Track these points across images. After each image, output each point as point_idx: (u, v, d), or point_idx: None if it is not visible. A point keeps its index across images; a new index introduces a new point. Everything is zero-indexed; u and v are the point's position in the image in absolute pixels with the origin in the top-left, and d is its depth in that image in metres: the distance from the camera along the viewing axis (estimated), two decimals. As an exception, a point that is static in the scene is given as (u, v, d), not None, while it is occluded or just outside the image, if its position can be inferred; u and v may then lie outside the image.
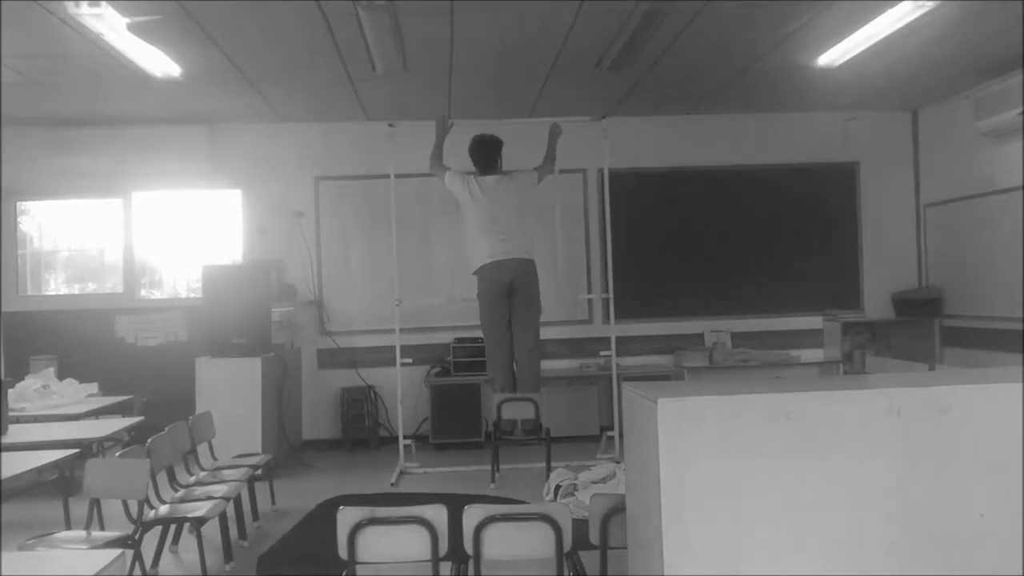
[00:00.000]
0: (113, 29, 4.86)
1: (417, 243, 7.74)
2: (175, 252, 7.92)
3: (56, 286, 8.01)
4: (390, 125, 6.52)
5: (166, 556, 4.38)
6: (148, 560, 4.05)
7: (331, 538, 2.84)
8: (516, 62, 6.07)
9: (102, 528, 3.91)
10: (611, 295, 6.80)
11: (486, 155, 6.05)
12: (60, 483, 4.63)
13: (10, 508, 4.75)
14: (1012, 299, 6.59)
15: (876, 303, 7.97)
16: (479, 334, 7.34)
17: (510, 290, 5.83)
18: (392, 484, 6.06)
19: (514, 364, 5.97)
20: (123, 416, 5.88)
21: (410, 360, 6.76)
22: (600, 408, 7.47)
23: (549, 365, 7.67)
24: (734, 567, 2.12)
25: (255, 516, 5.12)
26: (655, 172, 7.37)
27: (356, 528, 2.79)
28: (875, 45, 5.66)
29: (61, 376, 6.43)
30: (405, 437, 7.61)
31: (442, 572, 2.82)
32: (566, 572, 2.85)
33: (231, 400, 6.09)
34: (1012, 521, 2.17)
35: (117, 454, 4.19)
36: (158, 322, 7.65)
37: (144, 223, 7.83)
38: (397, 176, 7.67)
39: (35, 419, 5.49)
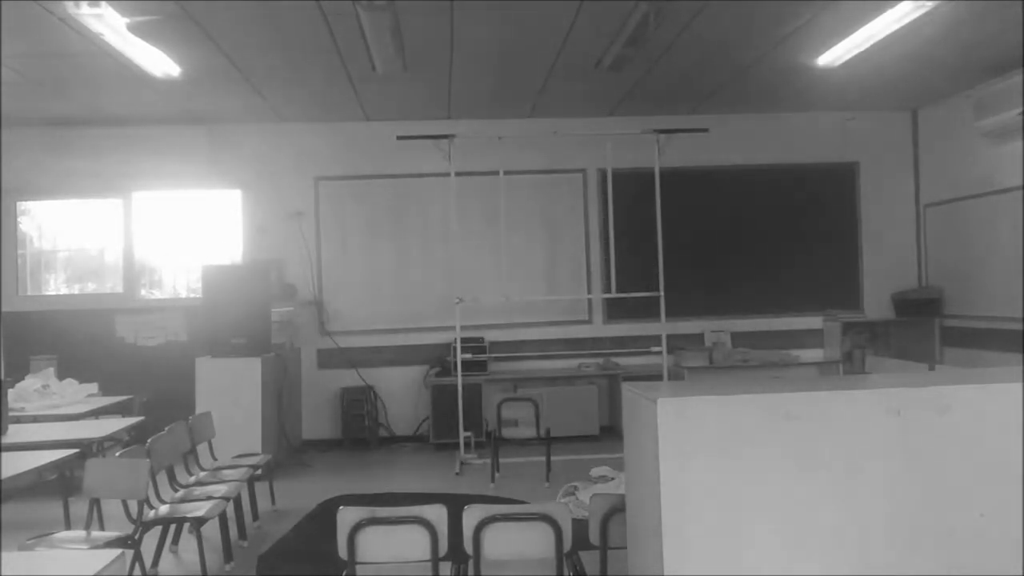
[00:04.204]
0: (113, 29, 4.86)
1: (421, 244, 7.75)
2: (175, 252, 7.92)
3: (56, 286, 8.01)
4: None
5: (166, 556, 4.38)
6: (148, 560, 4.05)
7: (331, 538, 2.84)
8: (516, 62, 6.07)
9: (102, 528, 3.90)
10: (662, 292, 6.78)
11: None
12: (60, 483, 4.63)
13: (10, 508, 4.76)
14: (1012, 299, 6.59)
15: (876, 303, 7.97)
16: (479, 334, 7.38)
17: None
18: (457, 473, 6.31)
19: None
20: (123, 416, 5.88)
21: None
22: (600, 408, 7.48)
23: (549, 365, 7.68)
24: (734, 567, 2.12)
25: (255, 516, 5.12)
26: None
27: (356, 528, 2.79)
28: (875, 45, 5.66)
29: (61, 376, 6.42)
30: (406, 438, 7.66)
31: (442, 572, 2.82)
32: (566, 572, 2.85)
33: (231, 400, 6.08)
34: (1012, 521, 2.17)
35: (117, 454, 4.19)
36: (158, 322, 7.65)
37: (144, 223, 7.83)
38: (401, 176, 7.71)
39: (35, 419, 5.48)
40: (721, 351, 7.64)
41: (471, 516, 2.81)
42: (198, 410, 5.74)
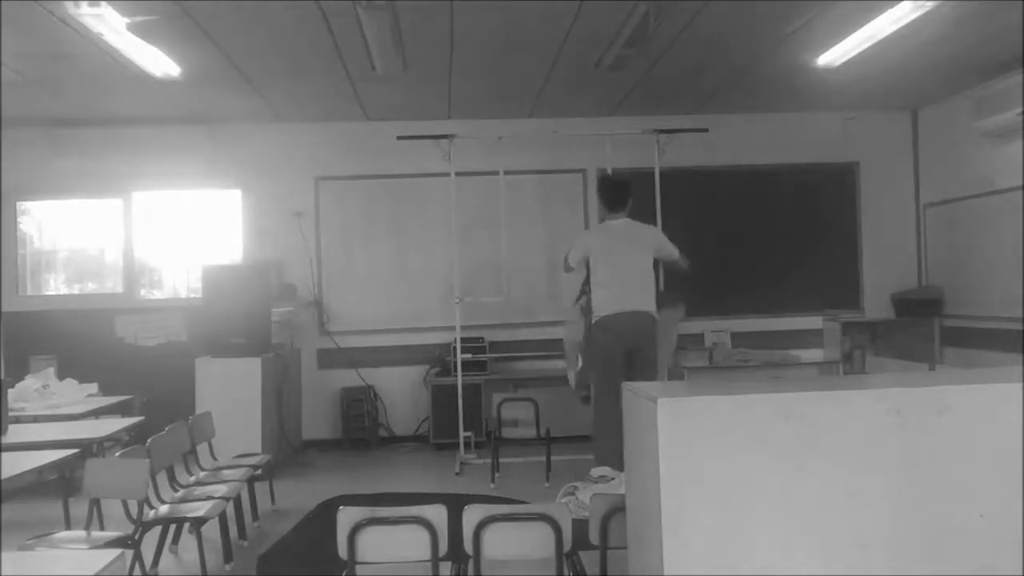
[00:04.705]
0: (113, 29, 4.86)
1: (421, 244, 7.75)
2: (175, 252, 7.92)
3: (56, 286, 8.00)
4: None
5: (166, 556, 4.38)
6: (148, 560, 4.05)
7: (331, 538, 2.84)
8: (516, 62, 6.07)
9: (102, 528, 3.90)
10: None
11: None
12: (60, 483, 4.63)
13: (10, 508, 4.76)
14: (1012, 299, 6.59)
15: (876, 303, 7.96)
16: (479, 334, 7.38)
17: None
18: (457, 473, 6.34)
19: None
20: (123, 416, 5.88)
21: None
22: (600, 408, 7.47)
23: (550, 365, 7.66)
24: (734, 567, 2.12)
25: (255, 516, 5.12)
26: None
27: (356, 528, 2.79)
28: (875, 45, 5.66)
29: (61, 376, 6.42)
30: (406, 438, 7.66)
31: (442, 572, 2.82)
32: (566, 572, 2.85)
33: (231, 400, 6.08)
34: (1012, 521, 2.17)
35: (117, 454, 4.19)
36: (158, 322, 7.64)
37: (144, 223, 7.82)
38: (401, 176, 7.71)
39: (35, 419, 5.48)
40: (721, 351, 7.63)
41: (471, 516, 2.82)
42: (198, 410, 5.74)
